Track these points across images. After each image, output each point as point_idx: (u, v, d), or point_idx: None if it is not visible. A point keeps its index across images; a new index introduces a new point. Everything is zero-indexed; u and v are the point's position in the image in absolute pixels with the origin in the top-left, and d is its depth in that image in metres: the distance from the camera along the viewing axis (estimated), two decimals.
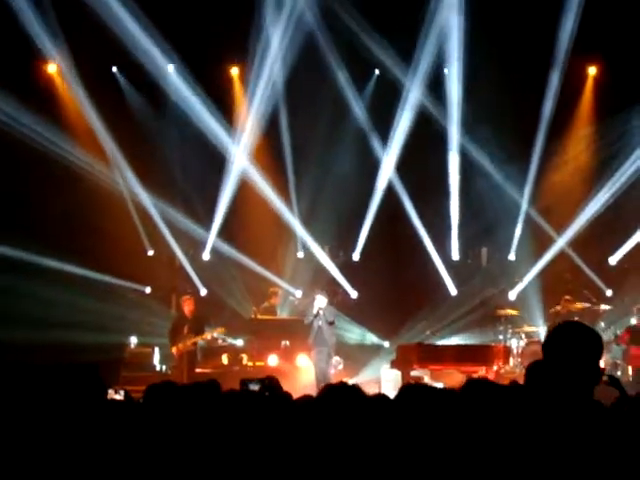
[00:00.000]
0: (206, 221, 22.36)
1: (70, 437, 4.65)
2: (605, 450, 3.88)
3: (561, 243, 21.67)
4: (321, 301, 17.83)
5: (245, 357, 20.37)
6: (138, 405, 5.53)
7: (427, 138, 21.92)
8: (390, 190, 22.39)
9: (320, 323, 17.71)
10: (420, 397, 4.84)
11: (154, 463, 4.66)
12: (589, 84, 21.99)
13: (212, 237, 22.45)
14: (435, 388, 5.08)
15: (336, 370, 19.02)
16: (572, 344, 4.10)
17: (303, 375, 18.60)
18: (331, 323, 17.87)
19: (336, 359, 19.20)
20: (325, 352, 17.73)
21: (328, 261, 22.70)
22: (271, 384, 6.43)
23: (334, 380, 15.78)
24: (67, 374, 4.99)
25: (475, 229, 22.32)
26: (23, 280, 18.99)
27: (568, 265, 21.87)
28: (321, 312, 17.74)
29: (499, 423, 4.47)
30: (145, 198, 21.82)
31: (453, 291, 22.70)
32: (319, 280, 21.97)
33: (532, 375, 6.06)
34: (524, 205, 22.04)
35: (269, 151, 22.45)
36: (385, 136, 21.90)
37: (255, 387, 6.11)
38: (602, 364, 4.23)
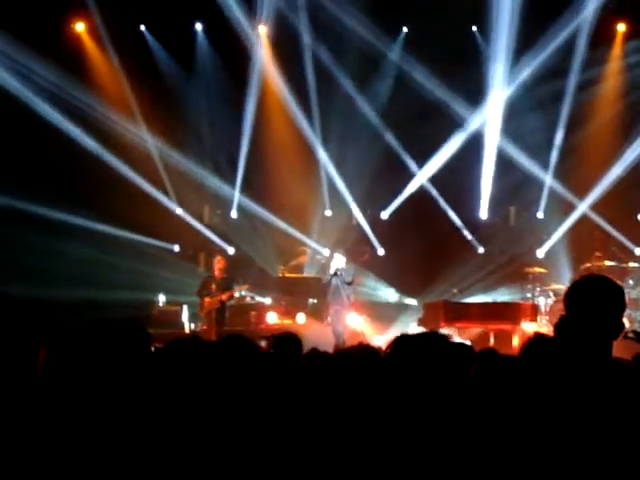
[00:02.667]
0: (235, 180, 22.45)
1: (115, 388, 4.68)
2: (620, 406, 3.90)
3: (588, 202, 21.58)
4: (339, 260, 17.87)
5: (273, 315, 20.44)
6: (160, 356, 5.56)
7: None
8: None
9: (338, 282, 17.77)
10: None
11: (173, 416, 4.68)
12: (618, 40, 21.82)
13: (236, 194, 22.53)
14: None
15: (361, 329, 19.13)
16: (592, 296, 4.10)
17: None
18: (349, 283, 17.92)
19: (361, 318, 19.33)
20: (341, 311, 17.82)
21: (360, 217, 22.79)
22: (277, 342, 6.50)
23: (359, 338, 15.92)
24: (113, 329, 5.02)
25: (503, 188, 22.26)
26: (52, 238, 19.09)
27: (597, 223, 21.79)
28: (339, 272, 17.78)
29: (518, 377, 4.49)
30: (173, 157, 21.89)
31: (480, 249, 22.70)
32: (346, 239, 22.02)
33: (561, 330, 6.07)
34: (552, 162, 21.92)
35: (296, 114, 22.36)
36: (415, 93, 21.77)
37: (262, 344, 6.16)
38: (627, 321, 4.22)
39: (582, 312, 4.09)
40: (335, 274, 17.76)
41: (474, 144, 21.66)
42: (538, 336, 5.65)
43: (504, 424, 4.07)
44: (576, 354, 4.04)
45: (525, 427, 3.97)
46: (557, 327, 5.80)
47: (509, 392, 4.30)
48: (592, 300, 4.09)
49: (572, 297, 4.17)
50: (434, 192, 22.50)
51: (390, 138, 22.01)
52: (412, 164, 22.45)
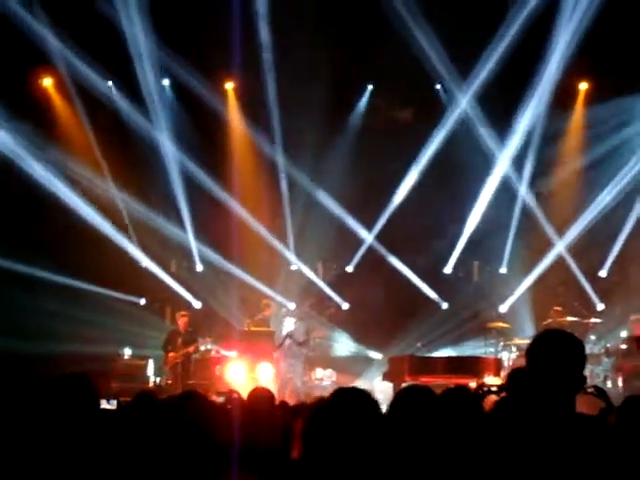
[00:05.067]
0: (200, 234, 22.50)
1: (62, 445, 4.71)
2: (586, 459, 3.92)
3: (552, 255, 21.85)
4: (289, 324, 18.29)
5: (239, 368, 20.37)
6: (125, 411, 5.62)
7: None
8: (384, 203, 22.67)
9: (289, 343, 18.28)
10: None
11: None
12: (580, 99, 22.21)
13: (194, 246, 22.67)
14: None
15: (329, 382, 19.29)
16: (554, 351, 4.13)
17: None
18: (301, 343, 18.35)
19: (327, 372, 19.50)
20: (296, 365, 18.25)
21: (314, 277, 22.94)
22: (232, 397, 6.72)
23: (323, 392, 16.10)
24: (60, 383, 5.06)
25: (467, 243, 22.49)
26: (16, 291, 19.04)
27: (560, 278, 22.04)
28: (290, 334, 18.29)
29: (474, 429, 4.57)
30: (140, 210, 21.91)
31: (443, 305, 22.91)
32: (312, 292, 22.20)
33: (512, 382, 6.18)
34: (515, 218, 22.21)
35: (262, 167, 22.51)
36: (379, 145, 21.96)
37: (220, 399, 6.41)
38: (588, 376, 4.27)
39: (544, 365, 4.12)
40: (286, 337, 18.27)
41: (444, 198, 21.82)
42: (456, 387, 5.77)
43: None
44: (540, 407, 4.08)
45: None
46: (510, 378, 5.91)
47: (472, 448, 4.37)
48: (554, 353, 4.12)
49: (534, 351, 4.20)
50: (399, 246, 22.71)
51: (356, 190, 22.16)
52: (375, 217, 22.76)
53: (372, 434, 4.15)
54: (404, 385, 15.76)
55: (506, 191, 21.99)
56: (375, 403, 4.44)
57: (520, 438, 4.04)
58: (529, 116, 21.10)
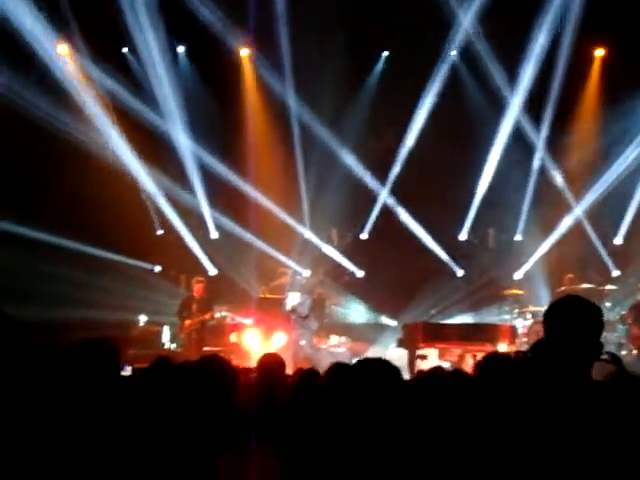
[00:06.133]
0: (214, 201, 22.51)
1: (85, 410, 4.74)
2: (601, 426, 3.91)
3: (569, 220, 21.79)
4: (293, 298, 18.36)
5: (254, 335, 20.44)
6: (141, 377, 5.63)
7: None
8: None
9: (294, 317, 18.43)
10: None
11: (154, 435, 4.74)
12: (596, 66, 21.99)
13: (207, 213, 22.73)
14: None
15: (343, 349, 19.39)
16: (572, 317, 4.12)
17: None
18: (305, 317, 18.45)
19: (342, 339, 19.59)
20: (305, 334, 18.39)
21: (328, 247, 22.93)
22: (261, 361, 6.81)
23: (337, 359, 16.20)
24: (86, 347, 5.08)
25: (482, 209, 22.42)
26: (32, 258, 19.05)
27: (575, 245, 21.95)
28: (294, 308, 18.43)
29: (500, 399, 4.58)
30: (155, 177, 21.91)
31: (459, 272, 22.90)
32: (327, 259, 22.20)
33: (537, 352, 6.17)
34: (532, 183, 22.11)
35: (277, 137, 22.48)
36: (397, 113, 21.89)
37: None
38: (603, 342, 4.22)
39: (562, 332, 4.11)
40: (292, 311, 18.41)
41: (457, 163, 21.72)
42: (493, 355, 5.77)
43: (484, 449, 4.16)
44: (557, 375, 4.09)
45: (506, 452, 4.03)
46: (533, 348, 5.90)
47: (489, 414, 4.39)
48: (572, 320, 4.11)
49: (552, 317, 4.20)
50: (414, 213, 22.67)
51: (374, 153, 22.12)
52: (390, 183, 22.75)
53: (394, 400, 4.21)
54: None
55: (520, 145, 21.83)
56: (397, 372, 4.49)
57: (537, 405, 4.05)
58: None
